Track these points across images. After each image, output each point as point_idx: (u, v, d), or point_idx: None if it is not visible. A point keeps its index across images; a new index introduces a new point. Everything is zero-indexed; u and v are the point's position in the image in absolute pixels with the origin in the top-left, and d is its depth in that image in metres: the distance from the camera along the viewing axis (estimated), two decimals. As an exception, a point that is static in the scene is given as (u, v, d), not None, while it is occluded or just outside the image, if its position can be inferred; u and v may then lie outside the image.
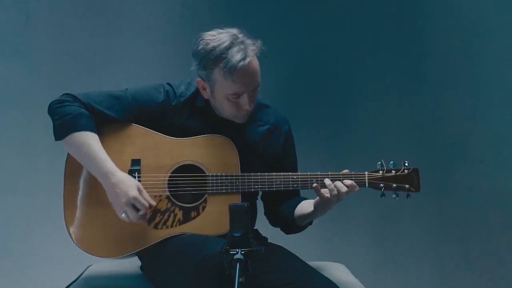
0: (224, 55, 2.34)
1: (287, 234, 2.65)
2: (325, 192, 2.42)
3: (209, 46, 2.37)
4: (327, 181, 2.41)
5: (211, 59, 2.36)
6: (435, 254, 3.93)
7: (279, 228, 2.68)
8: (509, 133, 3.90)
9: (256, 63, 2.39)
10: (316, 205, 2.48)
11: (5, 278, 3.70)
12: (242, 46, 2.35)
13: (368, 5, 3.94)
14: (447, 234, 3.94)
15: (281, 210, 2.59)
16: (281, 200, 2.59)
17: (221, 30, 2.40)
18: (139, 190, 2.38)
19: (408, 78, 3.96)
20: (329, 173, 2.45)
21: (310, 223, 2.61)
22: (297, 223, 2.57)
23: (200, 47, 2.39)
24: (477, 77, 3.94)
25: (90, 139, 2.41)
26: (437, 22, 3.96)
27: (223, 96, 2.42)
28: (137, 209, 2.37)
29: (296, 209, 2.56)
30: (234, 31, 2.40)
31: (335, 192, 2.39)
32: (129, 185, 2.37)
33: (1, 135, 3.74)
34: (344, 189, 2.39)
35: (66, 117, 2.41)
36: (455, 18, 3.94)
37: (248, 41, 2.39)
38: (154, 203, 2.41)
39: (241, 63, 2.33)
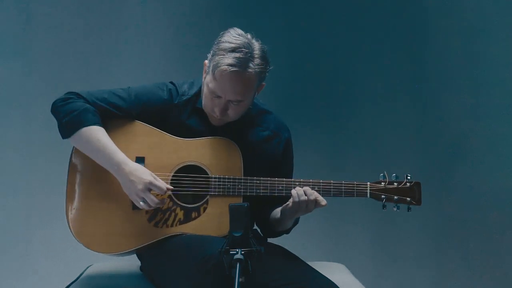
0: (223, 52, 2.37)
1: (264, 236, 2.65)
2: (294, 199, 2.40)
3: (223, 38, 2.40)
4: (298, 189, 2.40)
5: (217, 49, 2.40)
6: (435, 254, 3.94)
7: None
8: (509, 133, 3.90)
9: (243, 79, 2.37)
10: (283, 209, 2.47)
11: (5, 278, 3.70)
12: (241, 56, 2.35)
13: (368, 5, 3.94)
14: (447, 234, 3.94)
15: (264, 211, 2.59)
16: (270, 203, 2.57)
17: (249, 36, 2.41)
18: (152, 176, 2.40)
19: (408, 78, 3.96)
20: (331, 181, 2.45)
21: (287, 231, 2.60)
22: (272, 227, 2.58)
23: (223, 35, 2.42)
24: (477, 77, 3.94)
25: (98, 133, 2.42)
26: (437, 22, 3.96)
27: (206, 86, 2.44)
28: (154, 194, 2.39)
29: (273, 212, 2.56)
30: (256, 44, 2.40)
31: (304, 198, 2.38)
32: (143, 171, 2.40)
33: (1, 135, 3.74)
34: (312, 197, 2.37)
35: (72, 114, 2.42)
36: (455, 18, 3.94)
37: (256, 59, 2.38)
38: (170, 186, 2.42)
39: (224, 67, 2.35)
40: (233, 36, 2.39)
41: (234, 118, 2.48)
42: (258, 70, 2.38)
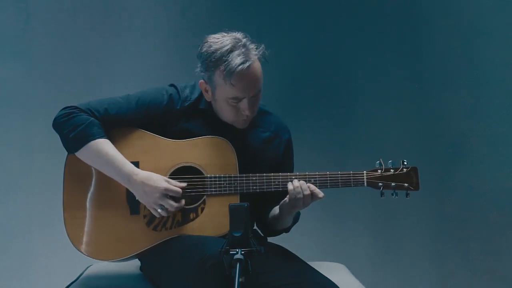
0: (224, 58, 2.36)
1: (264, 235, 2.64)
2: (290, 195, 2.40)
3: (211, 48, 2.38)
4: (295, 183, 2.39)
5: (213, 61, 2.38)
6: (435, 254, 3.94)
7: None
8: (509, 133, 3.90)
9: (257, 68, 2.40)
10: (281, 205, 2.47)
11: (5, 278, 3.70)
12: (243, 50, 2.37)
13: (368, 5, 3.94)
14: (447, 234, 3.94)
15: (263, 210, 2.58)
16: (269, 201, 2.56)
17: (225, 34, 2.42)
18: (166, 181, 2.40)
19: (408, 78, 3.96)
20: (327, 173, 2.45)
21: (287, 230, 2.59)
22: (272, 226, 2.57)
23: (204, 49, 2.41)
24: (477, 77, 3.94)
25: (105, 146, 2.42)
26: (437, 22, 3.96)
27: (223, 100, 2.42)
28: (172, 198, 2.39)
29: (272, 210, 2.56)
30: (238, 35, 2.41)
31: (300, 195, 2.38)
32: (156, 179, 2.40)
33: (1, 135, 3.74)
34: (307, 192, 2.37)
35: (78, 128, 2.41)
36: (455, 18, 3.94)
37: (251, 46, 2.40)
38: (184, 185, 2.42)
39: (240, 67, 2.34)
40: (217, 42, 2.39)
41: (256, 111, 2.48)
42: (260, 52, 2.41)
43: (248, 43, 2.40)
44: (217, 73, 2.38)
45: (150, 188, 2.39)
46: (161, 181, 2.40)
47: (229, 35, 2.41)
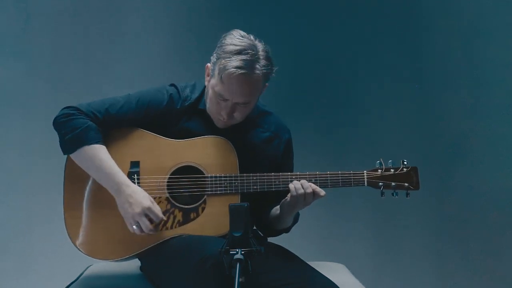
0: (229, 55, 2.37)
1: (263, 235, 2.64)
2: (292, 193, 2.40)
3: (229, 41, 2.40)
4: (295, 182, 2.40)
5: (221, 52, 2.39)
6: (435, 254, 3.94)
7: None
8: (509, 133, 3.90)
9: (250, 81, 2.38)
10: (282, 205, 2.47)
11: (5, 278, 3.70)
12: (249, 58, 2.36)
13: (368, 5, 3.94)
14: (447, 234, 3.94)
15: (263, 210, 2.58)
16: (270, 201, 2.57)
17: (252, 38, 2.42)
18: (151, 202, 2.41)
19: (408, 78, 3.96)
20: (328, 172, 2.45)
21: (287, 230, 2.59)
22: (272, 226, 2.57)
23: (226, 38, 2.42)
24: (477, 77, 3.94)
25: (100, 152, 2.42)
26: (437, 22, 3.96)
27: (213, 91, 2.43)
28: (149, 220, 2.39)
29: (272, 210, 2.56)
30: (260, 46, 2.40)
31: (301, 191, 2.38)
32: (143, 196, 2.40)
33: (1, 135, 3.74)
34: (309, 190, 2.38)
35: (75, 131, 2.41)
36: (455, 18, 3.94)
37: (262, 60, 2.39)
38: (164, 218, 2.42)
39: (232, 70, 2.35)
40: (237, 38, 2.40)
41: (240, 120, 2.48)
42: (264, 71, 2.39)
43: (262, 56, 2.39)
44: (218, 64, 2.40)
45: (135, 201, 2.38)
46: (147, 200, 2.40)
47: (253, 41, 2.40)
